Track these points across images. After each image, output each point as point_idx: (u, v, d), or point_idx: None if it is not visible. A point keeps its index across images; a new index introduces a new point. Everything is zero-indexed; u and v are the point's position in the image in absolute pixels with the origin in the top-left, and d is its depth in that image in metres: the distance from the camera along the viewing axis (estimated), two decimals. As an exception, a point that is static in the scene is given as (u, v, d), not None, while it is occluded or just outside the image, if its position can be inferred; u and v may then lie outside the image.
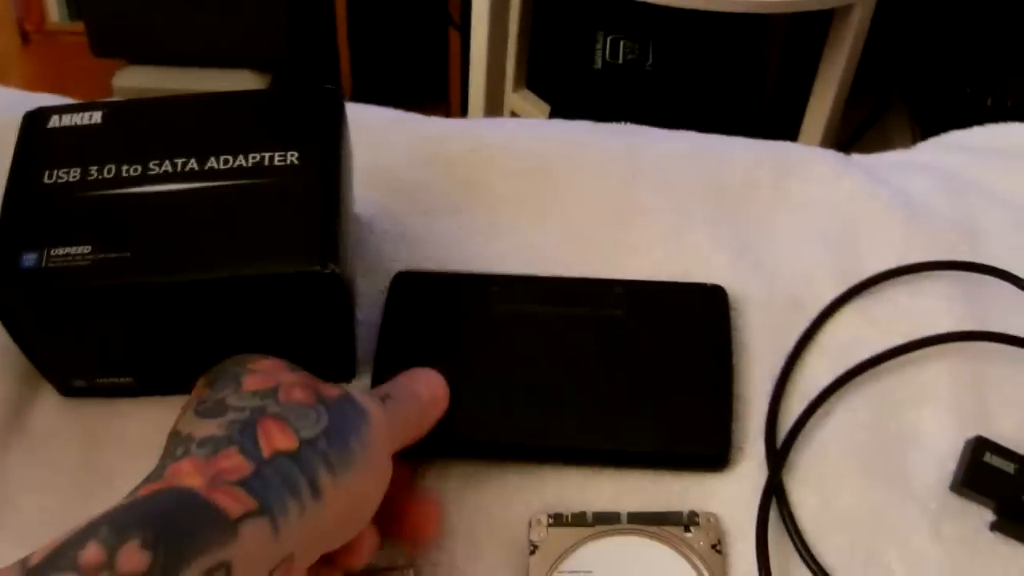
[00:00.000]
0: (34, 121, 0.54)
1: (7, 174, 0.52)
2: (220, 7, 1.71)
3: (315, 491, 0.43)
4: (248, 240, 0.50)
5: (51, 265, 0.49)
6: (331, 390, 0.47)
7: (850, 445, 0.55)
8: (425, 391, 0.52)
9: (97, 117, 0.54)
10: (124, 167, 0.52)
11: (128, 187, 0.51)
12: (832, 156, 0.69)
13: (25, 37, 2.20)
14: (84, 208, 0.50)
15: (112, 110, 0.55)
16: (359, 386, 0.57)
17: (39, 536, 0.40)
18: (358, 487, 0.45)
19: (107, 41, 1.79)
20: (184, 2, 1.72)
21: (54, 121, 0.54)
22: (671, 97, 1.41)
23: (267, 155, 0.52)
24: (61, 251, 0.49)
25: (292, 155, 0.52)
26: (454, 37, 1.73)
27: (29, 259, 0.49)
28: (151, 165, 0.52)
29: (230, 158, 0.52)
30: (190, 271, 0.49)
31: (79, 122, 0.54)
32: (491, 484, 0.54)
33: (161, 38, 1.76)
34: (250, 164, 0.52)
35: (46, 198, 0.51)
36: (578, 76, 1.41)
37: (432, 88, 1.79)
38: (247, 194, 0.51)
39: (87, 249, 0.49)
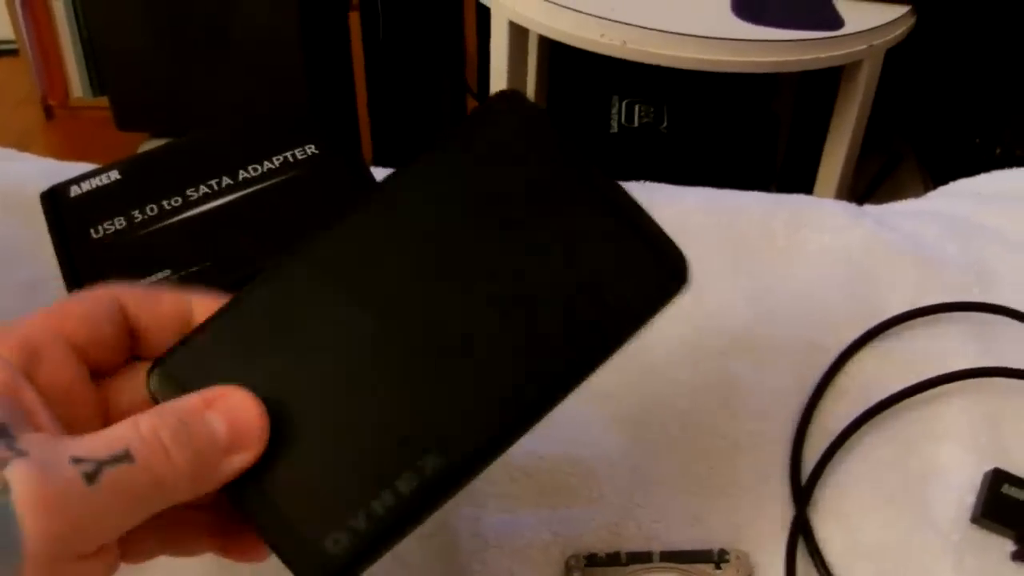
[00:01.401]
0: (55, 197, 0.56)
1: (53, 247, 0.55)
2: (243, 81, 1.74)
3: None
4: (305, 218, 0.53)
5: None
6: None
7: (873, 481, 0.57)
8: (222, 425, 0.37)
9: (114, 175, 0.57)
10: (164, 202, 0.54)
11: (176, 216, 0.54)
12: (843, 207, 0.71)
13: (49, 112, 2.23)
14: (145, 244, 0.53)
15: (125, 166, 0.57)
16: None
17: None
18: None
19: (131, 114, 1.83)
20: (207, 75, 1.75)
21: (74, 191, 0.56)
22: (686, 157, 1.44)
23: (288, 154, 0.56)
24: (145, 283, 0.51)
25: (309, 148, 0.56)
26: (472, 105, 1.76)
27: None
28: (188, 193, 0.54)
29: (257, 166, 0.55)
30: (268, 256, 0.51)
31: (99, 184, 0.56)
32: (527, 528, 0.56)
33: (185, 111, 1.80)
34: (277, 165, 0.55)
35: (102, 250, 0.53)
36: (595, 140, 1.44)
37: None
38: (286, 188, 0.55)
39: (167, 272, 0.51)
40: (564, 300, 0.41)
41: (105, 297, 0.40)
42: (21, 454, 0.33)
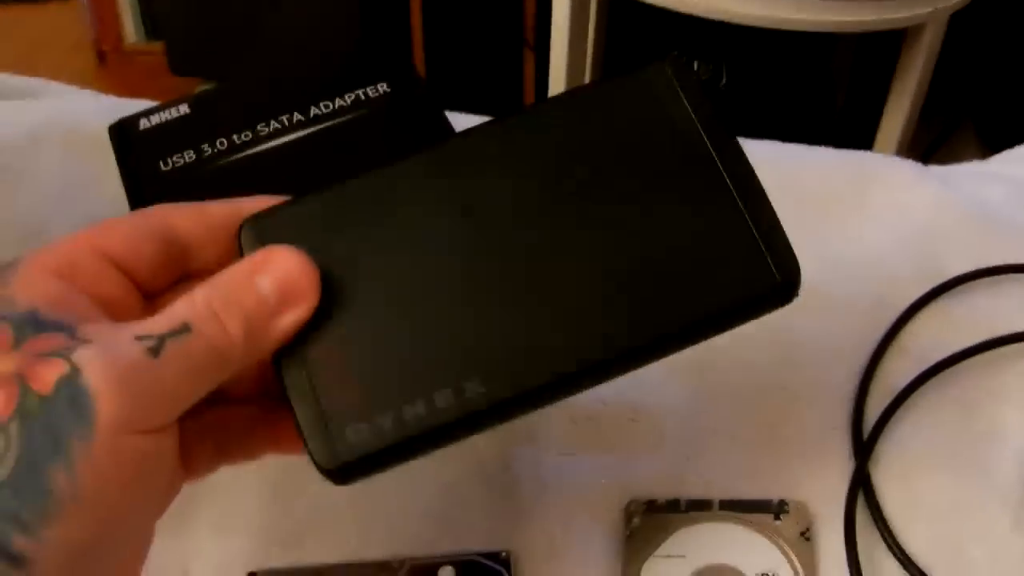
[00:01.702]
0: (124, 129, 0.56)
1: (121, 180, 0.55)
2: (297, 25, 1.74)
3: (14, 561, 0.31)
4: (378, 156, 0.52)
5: None
6: (48, 373, 0.33)
7: (933, 440, 0.57)
8: (270, 285, 0.37)
9: (184, 109, 0.56)
10: (234, 136, 0.54)
11: (247, 150, 0.54)
12: (910, 165, 0.71)
13: (102, 57, 2.23)
14: (214, 178, 0.53)
15: (196, 100, 0.57)
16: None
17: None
18: (88, 522, 0.33)
19: (185, 59, 1.83)
20: (261, 19, 1.75)
21: (143, 124, 0.56)
22: (744, 115, 1.43)
23: (359, 92, 0.55)
24: None
25: (382, 86, 0.56)
26: (529, 58, 1.75)
27: None
28: (259, 128, 0.54)
29: (329, 103, 0.55)
30: None
31: (168, 117, 0.56)
32: (588, 472, 0.56)
33: (239, 55, 1.80)
34: (349, 102, 0.55)
35: (172, 183, 0.53)
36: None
37: (506, 109, 1.81)
38: (358, 126, 0.54)
39: None
40: (659, 275, 0.39)
41: (152, 215, 0.40)
42: (85, 341, 0.34)
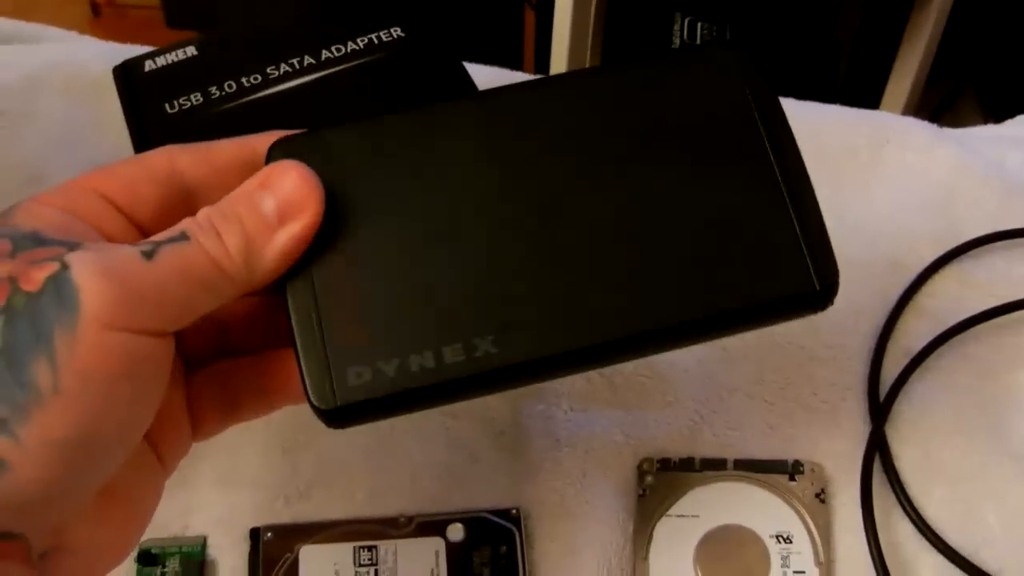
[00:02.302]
0: (129, 70, 0.55)
1: (125, 119, 0.54)
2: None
3: None
4: (391, 101, 0.52)
5: None
6: (39, 272, 0.32)
7: (948, 402, 0.56)
8: (271, 200, 0.36)
9: (191, 51, 0.55)
10: (243, 79, 0.53)
11: (257, 93, 0.52)
12: (926, 126, 0.70)
13: (95, 9, 2.20)
14: (222, 120, 0.51)
15: (203, 42, 0.55)
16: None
17: None
18: (70, 418, 0.31)
19: (181, 11, 1.80)
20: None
21: (149, 65, 0.55)
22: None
23: (372, 36, 0.54)
24: None
25: (395, 30, 0.54)
26: (529, 17, 1.73)
27: None
28: (268, 71, 0.53)
29: (341, 46, 0.54)
30: None
31: (175, 59, 0.55)
32: (600, 428, 0.55)
33: (237, 9, 1.77)
34: (361, 46, 0.53)
35: (178, 124, 0.52)
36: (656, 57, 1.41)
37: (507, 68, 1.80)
38: (370, 69, 0.53)
39: None
40: (692, 261, 0.38)
41: (155, 157, 0.38)
42: (78, 247, 0.33)
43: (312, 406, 0.36)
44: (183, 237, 0.34)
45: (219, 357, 0.41)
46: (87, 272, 0.32)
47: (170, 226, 0.37)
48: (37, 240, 0.33)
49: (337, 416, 0.36)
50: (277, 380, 0.40)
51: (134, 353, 0.32)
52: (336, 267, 0.37)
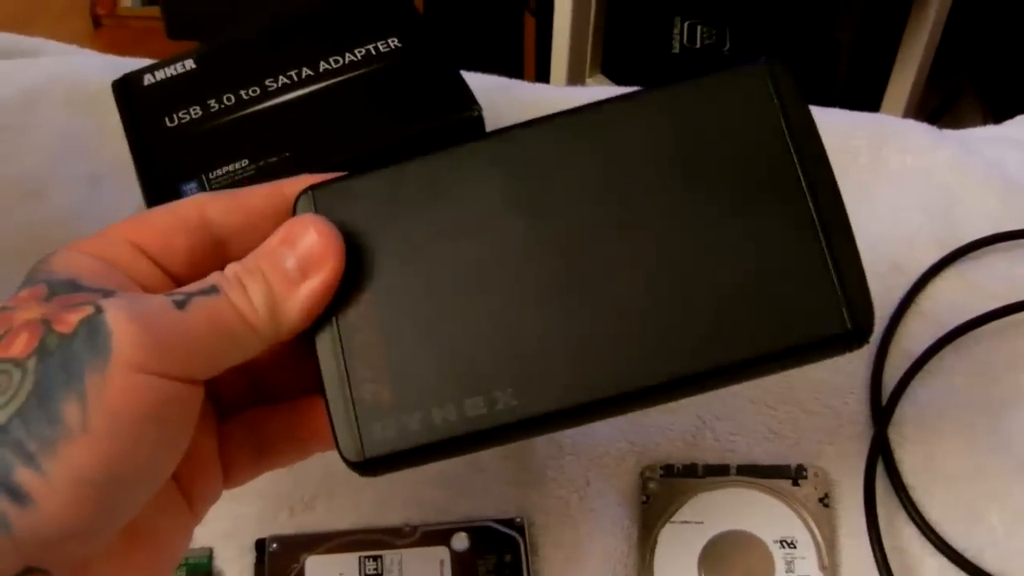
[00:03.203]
0: (127, 84, 0.55)
1: (126, 135, 0.54)
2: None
3: (16, 496, 0.31)
4: (390, 111, 0.52)
5: (215, 186, 0.50)
6: (73, 316, 0.33)
7: (951, 405, 0.56)
8: (293, 254, 0.37)
9: (189, 64, 0.55)
10: (241, 92, 0.53)
11: (254, 106, 0.53)
12: (925, 128, 0.70)
13: (97, 21, 2.21)
14: (222, 133, 0.52)
15: (202, 55, 0.56)
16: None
17: None
18: (97, 457, 0.32)
19: (182, 23, 1.81)
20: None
21: (147, 79, 0.55)
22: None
23: (370, 46, 0.54)
24: (221, 171, 0.51)
25: (392, 40, 0.55)
26: (529, 23, 1.74)
27: (190, 188, 0.50)
28: (267, 83, 0.53)
29: (339, 58, 0.54)
30: (351, 150, 0.51)
31: (173, 73, 0.55)
32: (603, 436, 0.55)
33: (237, 19, 1.78)
34: (359, 57, 0.54)
35: (177, 137, 0.52)
36: (656, 61, 1.41)
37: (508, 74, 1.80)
38: (368, 80, 0.53)
39: (245, 162, 0.51)
40: (719, 303, 0.36)
41: (187, 207, 0.39)
42: (112, 294, 0.34)
43: (343, 458, 0.37)
44: (213, 290, 0.35)
45: (252, 404, 0.42)
46: (120, 317, 0.33)
47: (202, 274, 0.38)
48: (74, 287, 0.34)
49: (366, 468, 0.37)
50: (309, 428, 0.41)
51: (162, 397, 0.33)
52: (361, 319, 0.38)
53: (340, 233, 0.37)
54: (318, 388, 0.38)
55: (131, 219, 0.38)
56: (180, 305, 0.34)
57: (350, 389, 0.37)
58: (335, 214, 0.38)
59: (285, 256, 0.37)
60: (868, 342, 0.37)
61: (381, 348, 0.37)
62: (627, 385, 0.36)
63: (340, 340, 0.38)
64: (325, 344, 0.38)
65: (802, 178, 0.37)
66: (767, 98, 0.38)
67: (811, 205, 0.37)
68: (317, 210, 0.39)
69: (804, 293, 0.36)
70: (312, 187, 0.39)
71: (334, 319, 0.38)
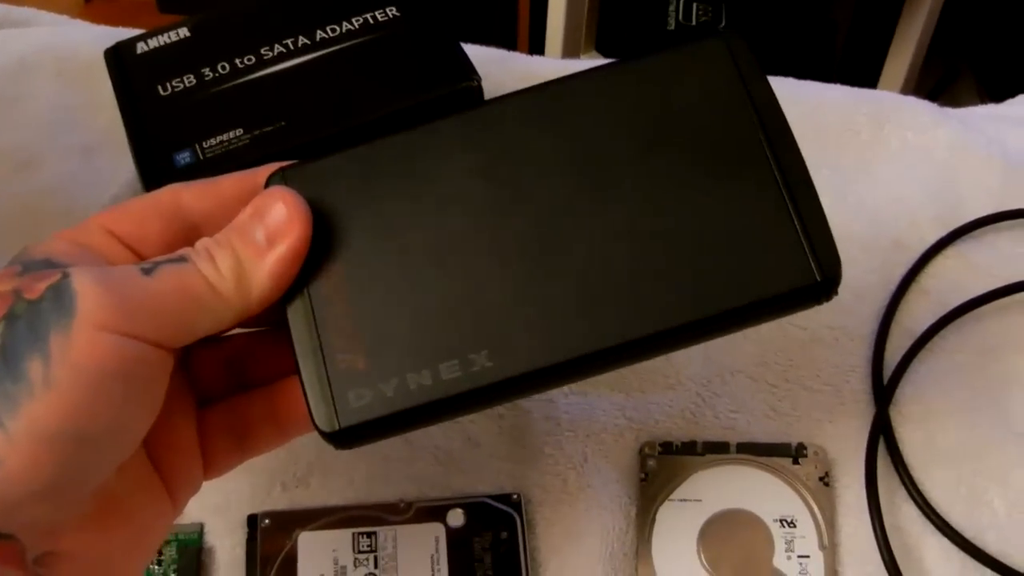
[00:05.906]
0: (121, 53, 0.55)
1: (118, 104, 0.53)
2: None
3: None
4: (388, 81, 0.51)
5: (209, 156, 0.50)
6: (41, 283, 0.33)
7: (952, 384, 0.56)
8: (261, 226, 0.37)
9: (183, 32, 0.55)
10: (236, 60, 0.52)
11: (250, 74, 0.52)
12: (926, 105, 0.69)
13: (87, -6, 2.20)
14: (216, 102, 0.51)
15: (196, 23, 0.55)
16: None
17: None
18: (60, 411, 0.32)
19: (175, -3, 1.81)
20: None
21: (141, 47, 0.54)
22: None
23: (368, 15, 0.54)
24: (215, 140, 0.50)
25: (391, 9, 0.54)
26: (522, 1, 1.73)
27: (183, 158, 0.50)
28: (262, 52, 0.53)
29: (336, 26, 0.53)
30: (348, 120, 0.50)
31: (167, 41, 0.54)
32: (602, 412, 0.54)
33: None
34: (356, 26, 0.53)
35: (171, 106, 0.52)
36: (651, 38, 1.41)
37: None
38: (366, 49, 0.53)
39: (240, 131, 0.50)
40: (690, 261, 0.37)
41: (162, 195, 0.39)
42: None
43: (317, 429, 0.37)
44: (181, 259, 0.36)
45: (231, 392, 0.42)
46: (86, 280, 0.33)
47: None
48: (47, 264, 0.35)
49: (341, 438, 0.37)
50: (288, 411, 0.41)
51: (128, 355, 0.33)
52: (334, 290, 0.38)
53: (307, 203, 0.37)
54: (293, 364, 0.38)
55: (109, 209, 0.39)
56: (147, 272, 0.35)
57: (324, 360, 0.37)
58: (306, 191, 0.38)
59: (255, 228, 0.37)
60: (837, 293, 0.38)
61: (354, 318, 0.38)
62: (602, 343, 0.37)
63: (313, 312, 0.38)
64: (297, 316, 0.38)
65: (764, 142, 0.39)
66: (727, 68, 0.40)
67: (775, 168, 0.38)
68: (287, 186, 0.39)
69: (773, 249, 0.38)
70: (283, 168, 0.40)
71: (306, 291, 0.38)
